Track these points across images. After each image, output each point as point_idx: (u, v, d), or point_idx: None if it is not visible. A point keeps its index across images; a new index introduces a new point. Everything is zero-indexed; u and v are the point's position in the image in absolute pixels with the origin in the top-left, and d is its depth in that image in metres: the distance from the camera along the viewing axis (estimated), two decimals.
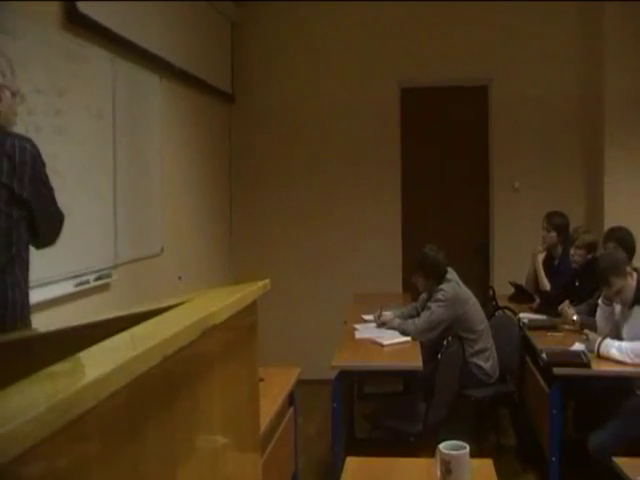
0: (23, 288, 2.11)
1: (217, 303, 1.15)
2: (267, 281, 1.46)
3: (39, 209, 2.13)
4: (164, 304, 1.28)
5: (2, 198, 2.03)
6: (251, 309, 1.36)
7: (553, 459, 3.33)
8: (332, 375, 3.41)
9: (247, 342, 1.44)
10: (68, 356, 0.94)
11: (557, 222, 4.79)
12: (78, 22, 3.21)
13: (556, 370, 3.27)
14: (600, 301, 3.59)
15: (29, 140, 2.14)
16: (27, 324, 2.13)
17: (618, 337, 3.42)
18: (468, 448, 1.98)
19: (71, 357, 0.83)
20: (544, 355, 3.39)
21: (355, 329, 4.14)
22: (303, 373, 3.34)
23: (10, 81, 2.20)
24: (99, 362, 0.79)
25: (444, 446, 2.00)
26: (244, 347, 1.43)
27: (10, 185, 2.03)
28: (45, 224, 2.19)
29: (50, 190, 2.20)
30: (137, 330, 0.98)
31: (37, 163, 2.12)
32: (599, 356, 3.32)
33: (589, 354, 3.33)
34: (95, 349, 0.87)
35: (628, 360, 3.23)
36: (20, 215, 2.08)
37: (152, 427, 0.92)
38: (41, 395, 0.65)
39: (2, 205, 2.03)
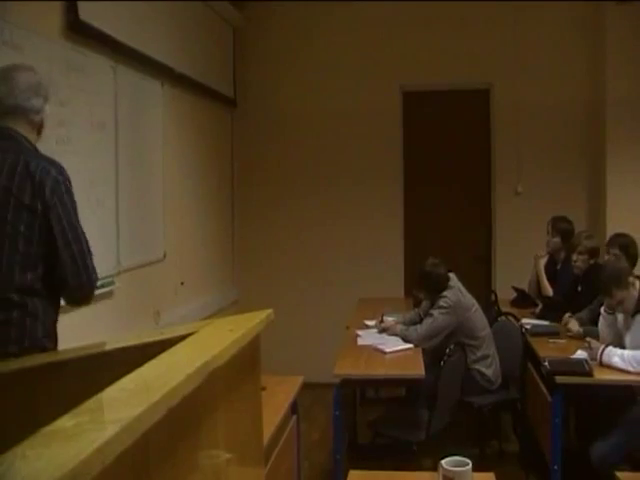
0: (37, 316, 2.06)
1: (221, 342, 1.15)
2: (270, 311, 1.46)
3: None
4: (170, 334, 1.28)
5: (24, 220, 1.95)
6: (254, 342, 1.36)
7: (555, 467, 3.32)
8: (335, 379, 3.40)
9: (250, 371, 1.44)
10: (74, 392, 0.94)
11: (562, 227, 4.78)
12: (79, 30, 3.20)
13: (558, 379, 3.26)
14: (602, 310, 3.58)
15: (54, 164, 2.04)
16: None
17: (621, 346, 3.41)
18: (470, 465, 1.99)
19: (76, 409, 0.83)
20: (546, 363, 3.39)
21: (358, 335, 4.14)
22: (306, 376, 3.31)
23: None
24: (106, 419, 0.79)
25: (447, 462, 2.00)
26: (247, 376, 1.43)
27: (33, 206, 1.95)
28: (66, 267, 2.06)
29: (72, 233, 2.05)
30: (146, 374, 0.98)
31: (59, 190, 2.00)
32: (601, 364, 3.31)
33: (591, 362, 3.33)
34: (103, 398, 0.86)
35: (631, 369, 3.22)
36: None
37: (155, 470, 0.92)
38: (48, 464, 0.65)
39: (23, 228, 1.95)
